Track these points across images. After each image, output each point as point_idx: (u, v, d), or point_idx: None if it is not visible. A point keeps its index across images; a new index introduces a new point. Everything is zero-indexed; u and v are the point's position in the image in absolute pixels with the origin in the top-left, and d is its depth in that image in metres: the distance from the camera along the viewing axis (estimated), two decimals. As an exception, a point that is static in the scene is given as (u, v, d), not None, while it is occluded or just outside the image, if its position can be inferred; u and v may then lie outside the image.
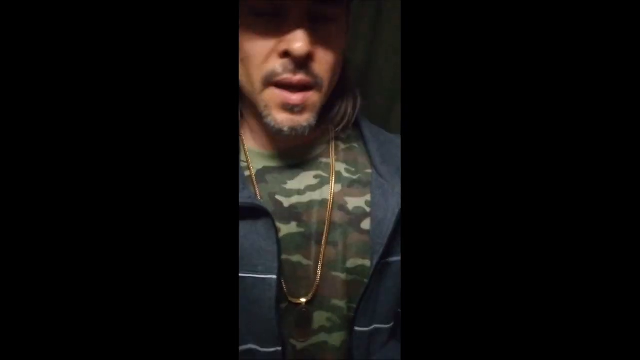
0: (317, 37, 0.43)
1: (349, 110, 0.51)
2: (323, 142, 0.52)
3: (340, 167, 0.51)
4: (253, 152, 0.51)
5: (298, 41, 0.41)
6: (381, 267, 0.48)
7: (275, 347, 0.46)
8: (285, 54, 0.43)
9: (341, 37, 0.47)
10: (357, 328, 0.48)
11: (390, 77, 0.99)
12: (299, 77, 0.44)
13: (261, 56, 0.43)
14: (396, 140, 0.55)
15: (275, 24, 0.43)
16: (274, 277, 0.45)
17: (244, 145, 0.52)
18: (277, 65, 0.44)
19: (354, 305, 0.48)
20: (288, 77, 0.44)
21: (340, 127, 0.52)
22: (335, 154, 0.51)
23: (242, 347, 0.46)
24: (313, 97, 0.46)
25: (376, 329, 0.49)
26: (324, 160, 0.51)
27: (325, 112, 0.50)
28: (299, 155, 0.51)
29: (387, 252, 0.48)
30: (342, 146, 0.53)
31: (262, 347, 0.46)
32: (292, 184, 0.50)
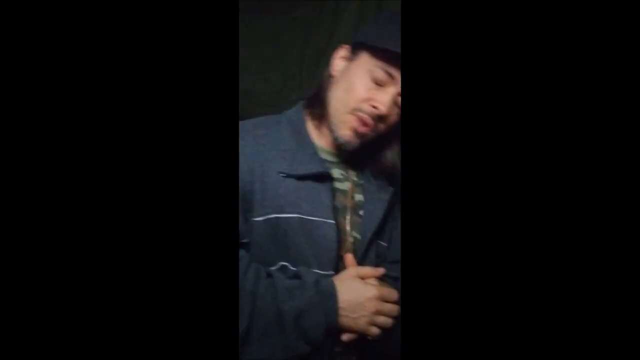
0: (392, 109, 0.70)
1: (387, 162, 0.78)
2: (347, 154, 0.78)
3: (353, 172, 0.78)
4: (320, 146, 0.76)
5: (385, 105, 0.69)
6: (366, 243, 0.74)
7: (331, 270, 0.68)
8: (375, 107, 0.69)
9: (396, 120, 0.73)
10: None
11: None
12: (371, 121, 0.70)
13: (362, 97, 0.70)
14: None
15: (379, 87, 0.70)
16: (334, 222, 0.69)
17: (318, 137, 0.77)
18: (366, 107, 0.69)
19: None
20: (367, 117, 0.70)
21: (375, 168, 0.79)
22: (349, 162, 0.78)
23: (305, 269, 0.67)
24: (368, 136, 0.72)
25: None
26: (344, 165, 0.77)
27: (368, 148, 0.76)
28: (334, 157, 0.77)
29: (372, 236, 0.75)
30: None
31: (323, 270, 0.68)
32: (333, 173, 0.75)
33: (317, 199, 0.69)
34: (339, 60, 0.76)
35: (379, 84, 0.69)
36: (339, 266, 0.69)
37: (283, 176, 0.68)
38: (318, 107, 0.76)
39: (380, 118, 0.70)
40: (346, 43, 0.77)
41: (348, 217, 0.73)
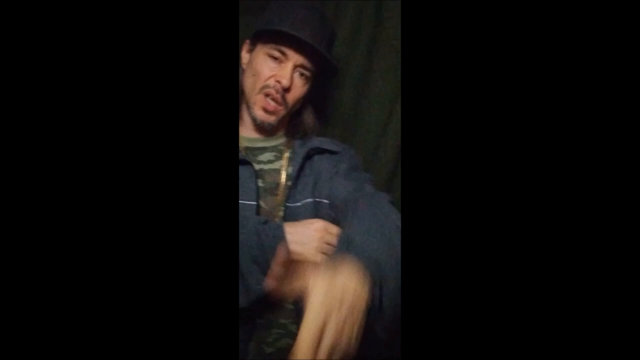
0: (295, 81, 0.81)
1: (308, 129, 0.88)
2: (283, 138, 0.88)
3: (288, 152, 0.86)
4: (241, 136, 0.87)
5: (285, 78, 0.79)
6: (292, 207, 0.81)
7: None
8: (278, 81, 0.80)
9: (308, 89, 0.84)
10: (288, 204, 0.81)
11: (391, 77, 0.99)
12: (278, 96, 0.80)
13: (266, 76, 0.80)
14: (321, 139, 0.90)
15: (279, 65, 0.80)
16: (255, 203, 0.78)
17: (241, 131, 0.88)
18: (270, 82, 0.80)
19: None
20: (273, 92, 0.80)
21: (297, 138, 0.88)
22: (288, 145, 0.88)
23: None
24: (280, 110, 0.82)
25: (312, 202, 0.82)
26: (281, 147, 0.87)
27: (288, 125, 0.88)
28: (266, 142, 0.87)
29: (294, 197, 0.81)
30: (292, 141, 0.89)
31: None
32: (261, 158, 0.85)
33: (243, 185, 0.79)
34: (244, 54, 0.87)
35: (277, 62, 0.79)
36: None
37: None
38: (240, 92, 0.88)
39: (285, 91, 0.80)
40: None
41: (281, 192, 0.82)
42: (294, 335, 0.71)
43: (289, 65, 0.79)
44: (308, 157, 0.84)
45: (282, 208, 0.80)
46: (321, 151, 0.86)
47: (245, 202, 0.78)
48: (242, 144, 0.85)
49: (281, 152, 0.86)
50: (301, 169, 0.83)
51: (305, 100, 0.86)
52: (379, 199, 0.73)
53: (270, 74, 0.79)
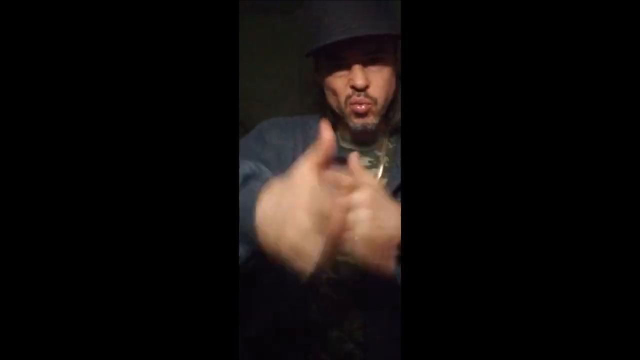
0: (370, 74, 0.76)
1: (397, 113, 0.84)
2: (379, 141, 0.86)
3: (385, 159, 0.84)
4: (345, 139, 0.86)
5: (358, 79, 0.74)
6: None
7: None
8: (353, 86, 0.75)
9: (390, 67, 0.78)
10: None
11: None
12: (362, 97, 0.76)
13: (342, 88, 0.77)
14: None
15: (347, 70, 0.76)
16: None
17: (342, 134, 0.87)
18: (349, 91, 0.77)
19: None
20: (356, 98, 0.76)
21: (393, 122, 0.85)
22: (384, 151, 0.85)
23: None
24: (372, 108, 0.78)
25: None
26: (377, 152, 0.85)
27: (384, 118, 0.83)
28: (364, 146, 0.85)
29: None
30: (389, 146, 0.86)
31: None
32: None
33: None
34: (314, 74, 0.86)
35: (345, 68, 0.76)
36: None
37: None
38: (329, 113, 0.87)
39: (365, 89, 0.76)
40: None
41: None
42: None
43: (356, 66, 0.75)
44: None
45: None
46: None
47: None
48: (345, 145, 0.85)
49: (378, 158, 0.84)
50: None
51: (395, 83, 0.81)
52: None
53: (344, 83, 0.77)
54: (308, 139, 0.85)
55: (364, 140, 0.85)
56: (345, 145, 0.86)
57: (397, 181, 0.79)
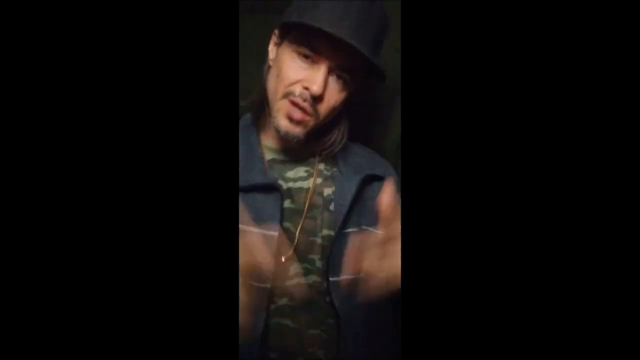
0: (329, 86, 0.65)
1: (335, 143, 0.73)
2: (312, 148, 0.74)
3: (321, 166, 0.73)
4: (267, 147, 0.73)
5: (317, 85, 0.63)
6: (340, 235, 0.68)
7: (266, 284, 0.63)
8: (307, 88, 0.64)
9: (347, 93, 0.68)
10: (331, 278, 0.66)
11: (391, 77, 0.99)
12: (306, 104, 0.65)
13: (292, 79, 0.65)
14: (362, 152, 0.77)
15: (310, 66, 0.64)
16: (276, 234, 0.64)
17: (263, 138, 0.73)
18: (298, 90, 0.64)
19: (324, 261, 0.67)
20: (299, 100, 0.64)
21: (324, 153, 0.73)
22: (319, 157, 0.74)
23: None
24: (310, 121, 0.67)
25: (346, 279, 0.67)
26: (311, 159, 0.73)
27: (316, 135, 0.71)
28: (296, 154, 0.73)
29: (343, 225, 0.68)
30: (325, 151, 0.75)
31: (258, 283, 0.62)
32: (290, 174, 0.71)
33: (262, 210, 0.66)
34: (271, 47, 0.71)
35: (308, 61, 0.64)
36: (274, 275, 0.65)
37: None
38: (260, 105, 0.73)
39: (315, 99, 0.65)
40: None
41: (312, 217, 0.69)
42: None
43: (322, 68, 0.64)
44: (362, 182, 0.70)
45: (321, 235, 0.68)
46: (373, 177, 0.72)
47: (265, 231, 0.63)
48: (268, 155, 0.72)
49: (312, 167, 0.73)
50: (356, 196, 0.69)
51: (341, 110, 0.70)
52: None
53: (298, 77, 0.65)
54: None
55: (291, 145, 0.71)
56: (272, 155, 0.72)
57: (354, 186, 0.69)
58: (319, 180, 0.72)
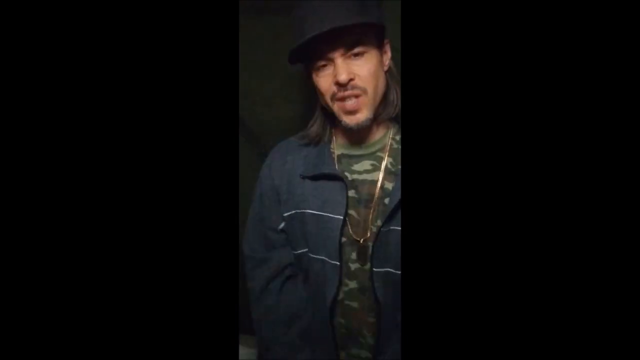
0: (354, 67, 0.72)
1: (395, 101, 0.80)
2: (381, 142, 0.81)
3: (388, 160, 0.80)
4: (339, 144, 0.83)
5: (341, 74, 0.71)
6: (388, 231, 0.76)
7: (336, 261, 0.77)
8: (337, 83, 0.72)
9: (375, 59, 0.74)
10: (375, 269, 0.76)
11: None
12: (348, 92, 0.72)
13: (326, 87, 0.74)
14: None
15: (330, 66, 0.73)
16: (342, 217, 0.76)
17: (335, 138, 0.85)
18: (334, 88, 0.73)
19: (373, 252, 0.77)
20: (341, 94, 0.73)
21: (393, 114, 0.80)
22: (388, 152, 0.81)
23: (315, 256, 0.79)
24: (363, 100, 0.73)
25: (387, 272, 0.76)
26: (379, 154, 0.81)
27: (379, 112, 0.79)
28: (364, 149, 0.81)
29: (389, 221, 0.75)
30: (394, 146, 0.82)
31: (330, 259, 0.78)
32: (356, 167, 0.80)
33: (329, 196, 0.78)
34: (307, 79, 0.82)
35: (328, 67, 0.73)
36: (343, 255, 0.78)
37: (302, 178, 0.81)
38: (324, 116, 0.84)
39: (351, 84, 0.72)
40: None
41: (374, 207, 0.78)
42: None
43: (337, 62, 0.71)
44: None
45: (373, 229, 0.76)
46: None
47: (330, 214, 0.76)
48: (338, 151, 0.82)
49: (379, 161, 0.80)
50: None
51: (384, 76, 0.77)
52: None
53: (329, 82, 0.73)
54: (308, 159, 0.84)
55: (360, 140, 0.81)
56: (341, 151, 0.82)
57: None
58: (384, 175, 0.79)
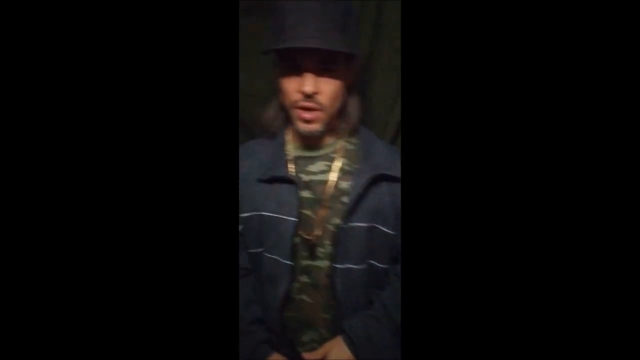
0: (321, 82, 0.75)
1: (351, 120, 0.84)
2: (335, 145, 0.85)
3: (343, 161, 0.83)
4: (294, 145, 0.86)
5: (308, 85, 0.74)
6: (349, 228, 0.79)
7: (289, 261, 0.80)
8: (302, 91, 0.75)
9: (342, 78, 0.78)
10: (336, 265, 0.79)
11: (391, 77, 0.99)
12: (309, 104, 0.76)
13: (291, 91, 0.77)
14: (380, 146, 0.87)
15: (299, 73, 0.75)
16: (295, 219, 0.79)
17: (288, 140, 0.86)
18: (298, 96, 0.76)
19: (333, 249, 0.80)
20: (302, 103, 0.76)
21: (347, 130, 0.84)
22: (340, 153, 0.84)
23: (270, 255, 0.81)
24: (320, 115, 0.77)
25: (348, 268, 0.80)
26: (333, 155, 0.84)
27: (334, 124, 0.82)
28: (318, 151, 0.84)
29: (349, 218, 0.79)
30: (348, 147, 0.85)
31: (283, 259, 0.80)
32: (311, 168, 0.83)
33: (282, 198, 0.81)
34: (273, 70, 0.83)
35: (298, 72, 0.75)
36: (297, 253, 0.81)
37: (258, 181, 0.83)
38: (275, 118, 0.87)
39: (315, 98, 0.75)
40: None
41: (329, 207, 0.81)
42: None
43: (308, 74, 0.74)
44: (374, 181, 0.79)
45: (331, 226, 0.80)
46: (387, 177, 0.81)
47: (284, 216, 0.79)
48: (292, 153, 0.85)
49: (332, 161, 0.83)
50: (362, 193, 0.78)
51: (345, 95, 0.81)
52: None
53: (295, 88, 0.76)
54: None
55: (314, 143, 0.84)
56: (297, 152, 0.85)
57: (362, 183, 0.79)
58: (339, 175, 0.82)
